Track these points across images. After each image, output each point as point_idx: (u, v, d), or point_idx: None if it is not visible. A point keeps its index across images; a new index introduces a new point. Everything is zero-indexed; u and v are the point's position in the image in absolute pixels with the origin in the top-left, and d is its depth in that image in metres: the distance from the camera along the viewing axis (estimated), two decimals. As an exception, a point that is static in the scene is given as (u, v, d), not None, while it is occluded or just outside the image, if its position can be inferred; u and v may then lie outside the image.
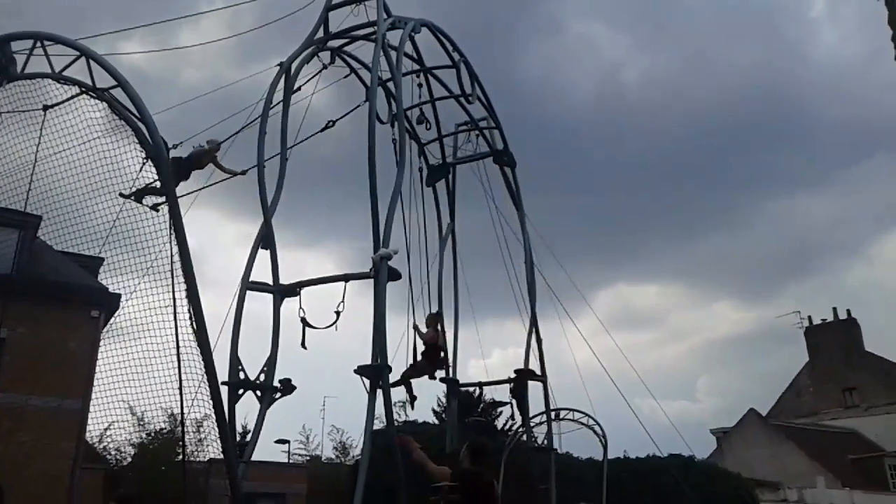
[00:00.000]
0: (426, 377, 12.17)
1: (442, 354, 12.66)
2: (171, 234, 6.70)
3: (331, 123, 12.99)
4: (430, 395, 30.64)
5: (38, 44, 7.13)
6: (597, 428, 16.49)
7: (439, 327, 12.70)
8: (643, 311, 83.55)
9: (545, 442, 15.16)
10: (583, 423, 16.31)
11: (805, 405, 38.91)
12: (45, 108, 7.45)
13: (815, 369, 39.54)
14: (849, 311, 39.68)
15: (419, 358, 11.75)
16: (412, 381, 11.75)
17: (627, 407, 15.26)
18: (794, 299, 78.48)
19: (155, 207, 9.68)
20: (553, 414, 15.37)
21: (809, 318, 40.74)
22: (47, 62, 7.16)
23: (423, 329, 11.93)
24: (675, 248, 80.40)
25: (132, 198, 8.62)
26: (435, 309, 15.28)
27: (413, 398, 12.01)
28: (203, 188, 11.01)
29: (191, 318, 6.79)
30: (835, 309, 40.11)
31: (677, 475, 19.58)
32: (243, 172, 11.44)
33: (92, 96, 7.06)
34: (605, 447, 16.82)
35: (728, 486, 24.33)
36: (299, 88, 12.72)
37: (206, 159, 10.66)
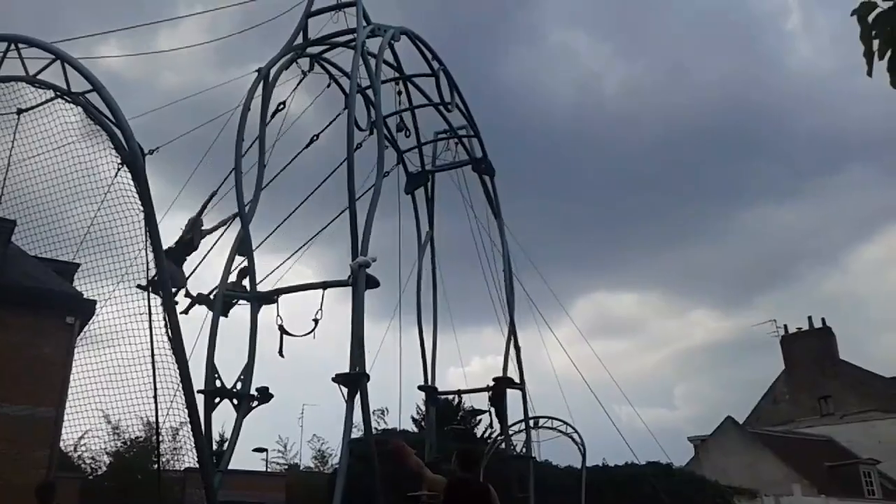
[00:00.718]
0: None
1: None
2: (146, 240, 6.63)
3: (315, 138, 13.02)
4: (408, 402, 30.55)
5: (12, 46, 7.05)
6: (575, 436, 16.56)
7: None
8: (621, 319, 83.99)
9: (524, 450, 15.16)
10: (561, 431, 16.38)
11: (781, 413, 39.28)
12: (20, 111, 7.36)
13: (791, 377, 39.96)
14: (824, 320, 40.20)
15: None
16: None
17: (605, 415, 15.33)
18: (771, 308, 79.58)
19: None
20: (532, 422, 15.38)
21: (785, 326, 41.21)
22: (21, 65, 7.07)
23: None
24: (653, 257, 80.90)
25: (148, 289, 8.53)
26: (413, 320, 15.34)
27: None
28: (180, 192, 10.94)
29: (166, 325, 6.72)
30: (810, 318, 40.64)
31: (655, 483, 19.68)
32: (232, 217, 11.35)
33: (67, 100, 6.98)
34: (583, 455, 16.90)
35: (706, 494, 24.53)
36: (282, 104, 12.61)
37: (197, 240, 10.66)
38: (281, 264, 11.93)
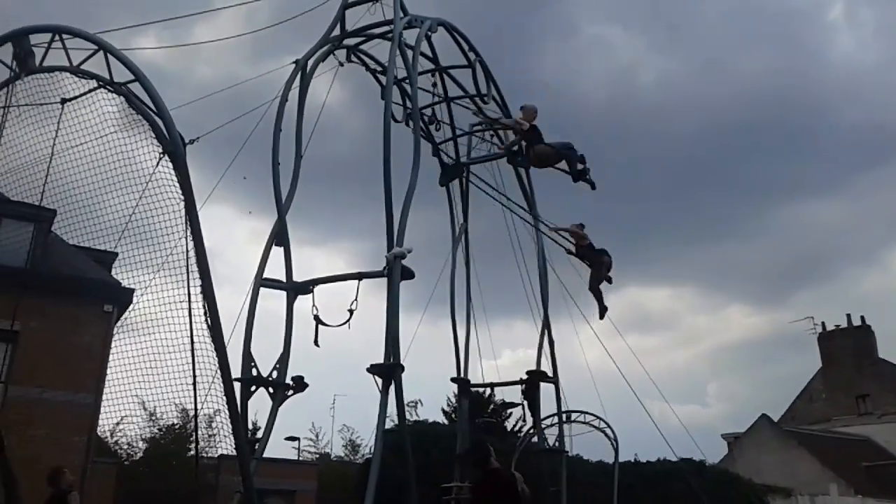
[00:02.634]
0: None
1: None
2: (186, 230, 6.69)
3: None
4: (440, 394, 30.62)
5: (57, 37, 7.13)
6: (608, 431, 16.42)
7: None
8: (654, 315, 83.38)
9: (556, 444, 15.07)
10: (594, 426, 16.24)
11: (817, 412, 38.65)
12: (63, 101, 7.45)
13: (828, 376, 39.27)
14: (863, 318, 39.43)
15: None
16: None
17: (636, 410, 15.12)
18: (807, 305, 78.43)
19: None
20: (564, 416, 15.28)
21: (823, 324, 40.51)
22: (65, 56, 7.16)
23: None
24: (688, 252, 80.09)
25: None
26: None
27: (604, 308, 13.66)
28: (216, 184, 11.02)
29: (205, 313, 6.78)
30: (848, 315, 39.87)
31: (689, 480, 19.45)
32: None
33: (109, 90, 7.06)
34: (616, 450, 16.74)
35: (739, 492, 24.20)
36: (326, 100, 12.67)
37: None
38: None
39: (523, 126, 13.28)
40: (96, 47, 7.01)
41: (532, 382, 14.16)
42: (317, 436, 29.51)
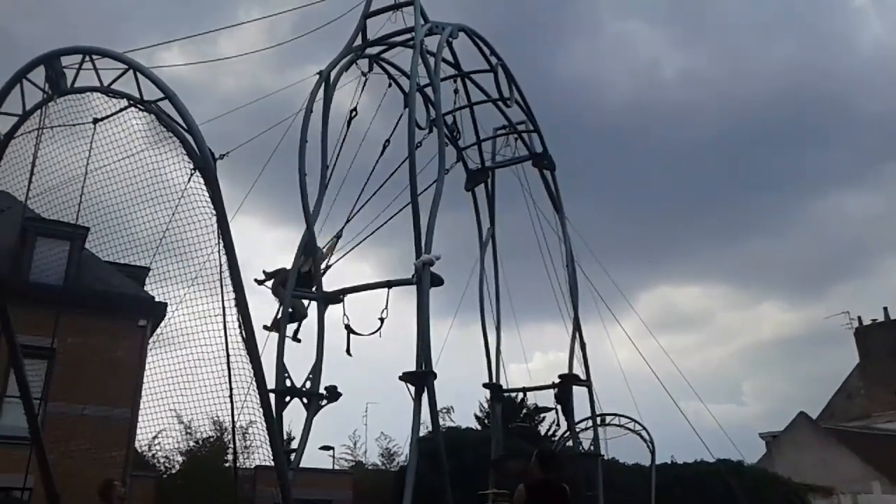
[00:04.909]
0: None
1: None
2: (219, 243, 6.76)
3: (386, 143, 13.12)
4: (472, 400, 30.53)
5: (87, 58, 7.25)
6: (644, 434, 16.28)
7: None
8: (686, 313, 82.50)
9: (591, 448, 14.96)
10: (629, 429, 16.12)
11: (856, 408, 37.90)
12: (96, 121, 7.57)
13: (866, 371, 38.51)
14: (900, 310, 38.63)
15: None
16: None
17: (671, 411, 14.99)
18: (843, 299, 76.81)
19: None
20: (599, 419, 15.17)
21: (859, 318, 39.73)
22: (96, 76, 7.27)
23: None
24: (718, 249, 79.17)
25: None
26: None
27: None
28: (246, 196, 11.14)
29: (240, 326, 6.83)
30: (885, 308, 39.05)
31: (727, 481, 19.20)
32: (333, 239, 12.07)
33: (140, 109, 7.16)
34: (652, 453, 16.59)
35: (779, 492, 23.86)
36: (354, 111, 12.81)
37: (316, 274, 11.18)
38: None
39: None
40: (126, 67, 7.11)
41: (565, 386, 14.07)
42: (354, 444, 29.61)
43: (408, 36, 12.84)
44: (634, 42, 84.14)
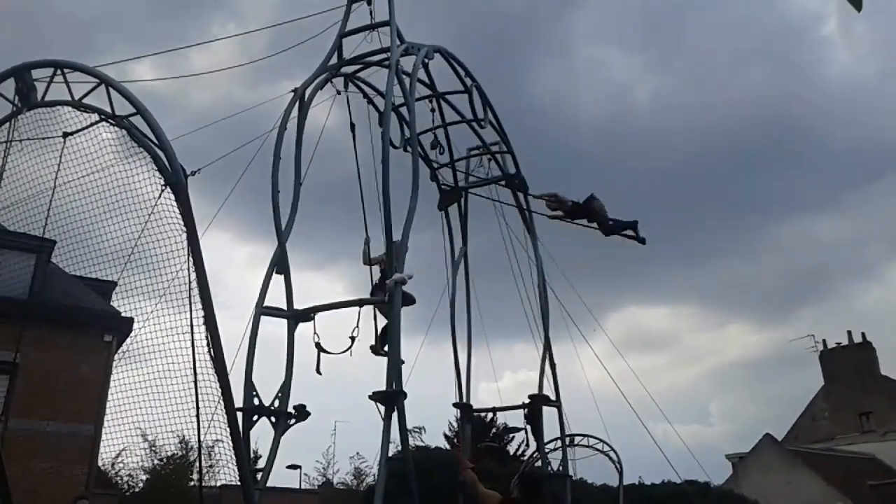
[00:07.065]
0: None
1: None
2: (189, 260, 6.71)
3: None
4: (441, 418, 30.42)
5: (58, 71, 7.21)
6: (612, 454, 16.32)
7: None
8: (654, 334, 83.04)
9: (560, 468, 14.98)
10: (598, 450, 16.15)
11: (821, 430, 38.39)
12: (65, 134, 7.50)
13: (831, 394, 39.06)
14: (864, 335, 39.24)
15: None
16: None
17: (639, 431, 15.10)
18: (808, 322, 77.68)
19: None
20: (568, 440, 15.21)
21: (824, 341, 40.30)
22: (67, 89, 7.23)
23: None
24: (686, 271, 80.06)
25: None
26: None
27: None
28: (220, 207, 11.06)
29: (208, 343, 6.77)
30: (849, 332, 39.67)
31: (694, 502, 19.30)
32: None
33: (111, 123, 7.11)
34: (620, 474, 16.63)
35: (745, 513, 24.01)
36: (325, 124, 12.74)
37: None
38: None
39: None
40: (98, 81, 7.08)
41: (534, 406, 14.11)
42: (328, 463, 29.23)
43: (384, 56, 12.90)
44: (607, 66, 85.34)
